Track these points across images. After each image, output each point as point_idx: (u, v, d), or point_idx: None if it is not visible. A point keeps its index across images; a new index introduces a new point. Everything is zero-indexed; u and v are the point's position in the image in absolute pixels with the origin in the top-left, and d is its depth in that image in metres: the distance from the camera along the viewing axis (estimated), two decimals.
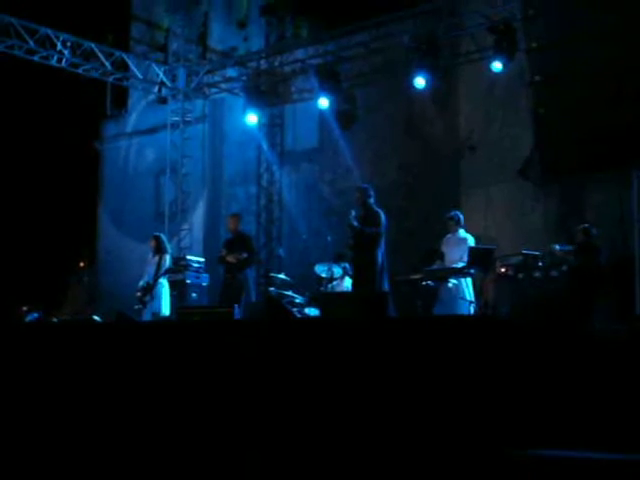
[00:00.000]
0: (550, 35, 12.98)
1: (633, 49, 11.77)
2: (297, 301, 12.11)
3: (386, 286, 10.65)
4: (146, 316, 11.82)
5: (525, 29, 13.10)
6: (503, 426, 5.25)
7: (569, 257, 10.53)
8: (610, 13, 11.99)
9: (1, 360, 7.71)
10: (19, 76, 16.29)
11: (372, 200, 11.06)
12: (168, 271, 12.24)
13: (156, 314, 11.79)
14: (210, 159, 18.07)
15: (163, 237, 12.61)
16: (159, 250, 12.30)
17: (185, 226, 17.10)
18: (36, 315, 13.45)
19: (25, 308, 13.92)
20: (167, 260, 12.29)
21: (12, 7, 14.17)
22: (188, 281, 12.83)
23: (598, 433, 5.19)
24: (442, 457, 5.24)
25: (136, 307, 12.02)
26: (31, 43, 14.42)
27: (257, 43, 17.49)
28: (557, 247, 10.67)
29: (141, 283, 12.21)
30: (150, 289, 12.03)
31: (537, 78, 13.22)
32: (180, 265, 13.01)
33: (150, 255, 12.41)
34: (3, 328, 9.17)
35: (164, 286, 12.23)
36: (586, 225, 10.86)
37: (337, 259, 12.10)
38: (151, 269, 12.23)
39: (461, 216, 11.47)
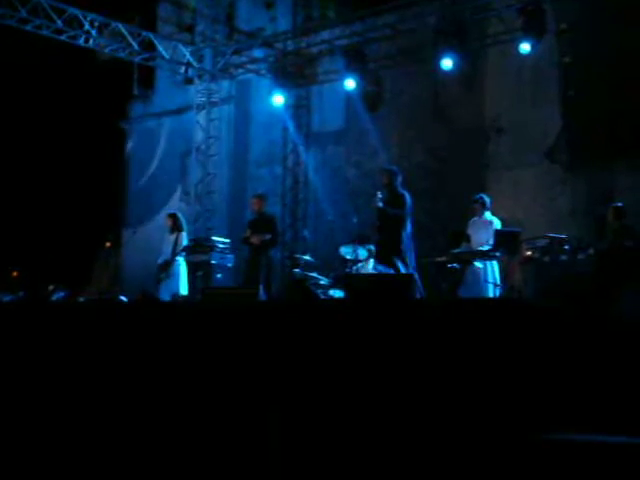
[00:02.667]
0: (580, 16, 12.84)
1: None
2: (321, 282, 12.10)
3: (413, 268, 10.63)
4: (163, 295, 11.89)
5: (554, 10, 12.96)
6: (528, 410, 5.23)
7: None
8: None
9: (27, 338, 7.78)
10: (47, 56, 16.36)
11: (398, 182, 11.03)
12: (185, 249, 12.33)
13: (175, 294, 11.86)
14: (236, 140, 18.07)
15: (179, 215, 12.75)
16: (176, 228, 12.44)
17: (210, 207, 17.12)
18: (62, 294, 13.53)
19: (51, 287, 14.00)
20: (184, 238, 12.40)
21: None
22: (213, 262, 12.84)
23: (622, 418, 5.16)
24: (466, 440, 5.24)
25: (158, 286, 12.13)
26: (59, 23, 14.45)
27: (284, 24, 17.43)
28: None
29: (159, 261, 12.32)
30: (167, 267, 12.13)
31: (566, 60, 13.09)
32: (205, 246, 13.05)
33: (167, 234, 12.53)
34: (30, 306, 9.24)
35: (181, 264, 12.31)
36: (618, 204, 10.75)
37: (360, 241, 12.08)
38: (168, 248, 12.35)
39: (487, 199, 11.42)
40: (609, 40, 12.32)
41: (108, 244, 14.53)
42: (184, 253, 12.37)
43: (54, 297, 13.30)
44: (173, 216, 12.68)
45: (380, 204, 10.75)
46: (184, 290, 12.23)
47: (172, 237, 12.39)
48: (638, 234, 10.43)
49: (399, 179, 11.07)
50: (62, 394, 7.26)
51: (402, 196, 10.87)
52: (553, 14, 12.94)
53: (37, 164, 18.33)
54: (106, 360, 7.15)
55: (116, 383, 6.98)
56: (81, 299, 12.65)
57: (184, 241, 12.43)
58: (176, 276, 12.22)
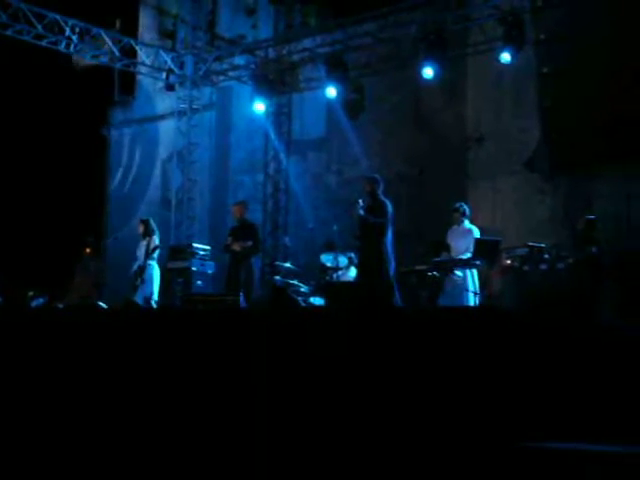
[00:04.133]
0: (558, 27, 12.94)
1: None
2: (302, 290, 12.13)
3: (392, 276, 10.66)
4: (138, 300, 11.92)
5: (533, 21, 13.06)
6: (508, 418, 5.26)
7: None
8: (618, 6, 11.95)
9: (7, 345, 7.74)
10: (27, 61, 16.29)
11: (380, 190, 11.06)
12: (156, 247, 12.37)
13: (147, 298, 11.90)
14: (217, 147, 18.06)
15: (151, 221, 12.82)
16: (147, 233, 12.51)
17: (191, 213, 17.10)
18: (42, 300, 13.49)
19: (31, 293, 13.95)
20: (155, 241, 12.46)
21: None
22: (194, 268, 12.87)
23: (602, 426, 5.20)
24: (449, 449, 5.26)
25: (134, 294, 12.16)
26: (40, 28, 14.42)
27: (265, 31, 17.45)
28: None
29: (134, 267, 12.37)
30: (141, 272, 12.19)
31: (545, 70, 13.18)
32: (186, 252, 13.06)
33: (140, 240, 12.61)
34: (9, 313, 9.20)
35: (154, 268, 12.37)
36: (591, 217, 10.83)
37: (327, 248, 12.12)
38: (141, 253, 12.41)
39: (467, 207, 11.48)
40: (587, 51, 12.43)
41: (88, 250, 14.50)
42: (156, 255, 12.43)
43: (33, 303, 13.26)
44: (145, 222, 12.83)
45: (361, 212, 10.76)
46: (156, 294, 12.28)
47: (144, 242, 12.49)
48: (602, 242, 10.51)
49: (381, 187, 11.10)
50: (40, 402, 7.23)
51: (384, 204, 10.89)
52: (532, 25, 13.04)
53: (17, 170, 18.21)
54: (85, 367, 7.12)
55: (95, 390, 6.96)
56: (60, 305, 12.61)
57: (155, 242, 12.48)
58: (149, 281, 12.29)
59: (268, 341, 6.25)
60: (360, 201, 10.85)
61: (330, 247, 12.09)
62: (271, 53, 16.50)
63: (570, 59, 12.77)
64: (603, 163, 12.37)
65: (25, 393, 7.33)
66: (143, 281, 12.24)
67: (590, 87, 12.40)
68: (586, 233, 10.63)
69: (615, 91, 12.11)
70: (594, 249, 10.32)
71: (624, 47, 11.91)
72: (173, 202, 17.16)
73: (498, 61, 12.82)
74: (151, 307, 11.63)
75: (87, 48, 15.31)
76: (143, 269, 12.27)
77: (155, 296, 12.22)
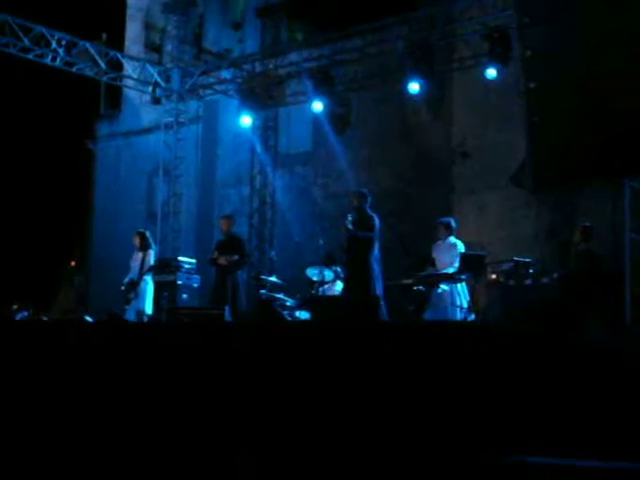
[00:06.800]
0: (544, 44, 13.00)
1: (625, 61, 11.80)
2: (288, 304, 12.11)
3: (379, 291, 10.66)
4: (130, 314, 11.85)
5: (519, 37, 13.12)
6: (491, 432, 5.26)
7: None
8: (603, 23, 12.02)
9: None
10: (13, 74, 16.26)
11: (367, 205, 11.08)
12: (152, 267, 12.29)
13: (140, 312, 11.82)
14: (203, 160, 18.06)
15: (148, 234, 12.70)
16: (143, 247, 12.40)
17: (177, 227, 17.08)
18: (26, 314, 13.43)
19: (15, 306, 13.89)
20: (151, 256, 12.37)
21: (7, 5, 14.14)
22: (179, 282, 12.82)
23: (585, 441, 5.21)
24: (431, 463, 5.25)
25: (126, 307, 12.07)
26: (26, 41, 14.38)
27: (252, 45, 17.51)
28: None
29: (126, 280, 12.27)
30: (135, 286, 12.09)
31: (531, 86, 13.23)
32: (171, 266, 13.02)
33: (135, 252, 12.49)
34: None
35: (148, 283, 12.28)
36: (586, 224, 10.86)
37: (327, 261, 12.11)
38: (136, 266, 12.32)
39: (452, 222, 11.49)
40: (573, 67, 12.48)
41: (73, 263, 14.45)
42: (152, 272, 12.34)
43: (18, 316, 13.20)
44: (141, 234, 12.65)
45: (350, 226, 10.78)
46: (149, 309, 12.19)
47: (139, 255, 12.35)
48: (599, 259, 10.54)
49: (369, 201, 11.12)
50: (22, 415, 7.19)
51: (371, 219, 10.91)
52: (519, 41, 13.10)
53: (1, 183, 18.17)
54: (68, 382, 7.09)
55: (77, 405, 6.92)
56: (45, 318, 12.56)
57: (152, 259, 12.40)
58: (143, 295, 12.20)
59: (254, 355, 6.25)
60: (349, 216, 10.87)
61: (330, 261, 12.08)
62: (258, 67, 16.53)
63: (555, 75, 12.82)
64: (588, 178, 12.42)
65: (8, 407, 7.29)
66: (137, 295, 12.16)
67: (575, 103, 12.45)
68: (581, 245, 10.65)
69: (601, 107, 12.17)
70: (590, 266, 10.35)
71: (609, 63, 11.97)
72: (159, 215, 17.13)
73: (484, 77, 12.89)
74: (142, 321, 11.58)
75: (73, 61, 15.24)
76: (137, 283, 12.16)
77: (148, 311, 12.14)
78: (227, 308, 10.34)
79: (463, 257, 10.83)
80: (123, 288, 12.18)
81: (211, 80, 17.06)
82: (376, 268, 10.76)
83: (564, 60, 12.51)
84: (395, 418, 5.50)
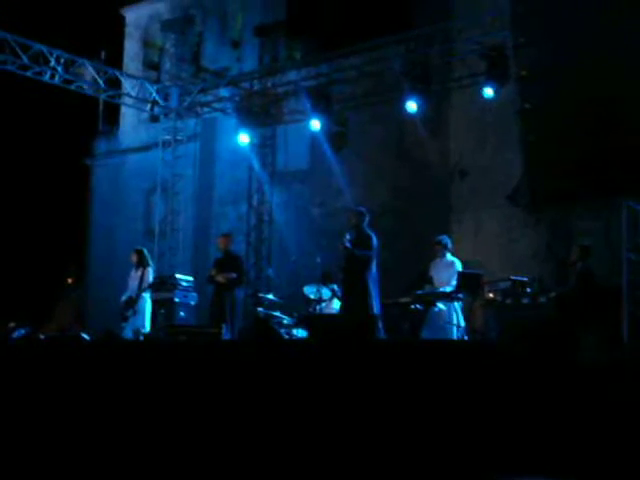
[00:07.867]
0: (540, 63, 13.06)
1: (620, 80, 11.86)
2: (285, 322, 12.09)
3: (377, 309, 10.63)
4: (127, 332, 11.80)
5: (516, 57, 13.18)
6: (487, 451, 5.26)
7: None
8: (599, 43, 12.08)
9: None
10: (11, 91, 16.31)
11: (365, 223, 11.07)
12: (151, 285, 12.26)
13: (137, 330, 11.78)
14: (201, 178, 18.09)
15: (145, 251, 12.66)
16: (141, 264, 12.34)
17: (174, 244, 17.08)
18: (23, 331, 13.38)
19: (12, 324, 13.84)
20: (150, 274, 12.33)
21: (6, 23, 14.20)
22: (176, 300, 12.82)
23: (580, 462, 5.21)
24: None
25: (123, 325, 12.03)
26: (25, 59, 14.44)
27: (250, 64, 17.57)
28: None
29: (123, 298, 12.23)
30: (133, 303, 12.06)
31: (527, 106, 13.29)
32: (168, 283, 13.01)
33: (133, 269, 12.45)
34: None
35: (147, 301, 12.25)
36: (585, 243, 10.87)
37: (324, 279, 12.11)
38: (134, 283, 12.27)
39: (448, 240, 11.49)
40: (569, 86, 12.54)
41: (70, 280, 14.42)
42: (150, 289, 12.30)
43: (15, 335, 13.15)
44: (139, 252, 12.59)
45: (348, 244, 10.77)
46: (147, 327, 12.15)
47: (138, 273, 12.30)
48: (596, 278, 10.55)
49: (367, 220, 11.11)
50: (18, 432, 7.18)
51: (369, 237, 10.89)
52: (515, 60, 13.16)
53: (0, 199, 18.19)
54: (66, 399, 7.09)
55: (74, 422, 6.92)
56: (42, 336, 12.51)
57: (150, 277, 12.36)
58: (141, 312, 12.15)
59: (251, 373, 6.25)
60: (347, 234, 10.86)
61: (328, 279, 12.07)
62: (256, 85, 16.60)
63: (551, 95, 12.88)
64: (585, 197, 12.46)
65: (6, 424, 7.29)
66: (135, 312, 12.12)
67: (571, 123, 12.50)
68: (579, 264, 10.66)
69: (595, 127, 12.22)
70: (588, 286, 10.36)
71: (604, 84, 12.03)
72: (156, 232, 17.14)
73: (481, 96, 12.94)
74: (139, 339, 11.55)
75: (72, 79, 15.29)
76: (135, 300, 12.13)
77: (146, 328, 12.10)
78: (225, 326, 10.33)
79: (460, 276, 10.83)
80: (121, 307, 12.14)
81: (209, 98, 17.12)
82: (373, 287, 10.74)
83: (559, 80, 12.58)
84: (392, 435, 5.50)
